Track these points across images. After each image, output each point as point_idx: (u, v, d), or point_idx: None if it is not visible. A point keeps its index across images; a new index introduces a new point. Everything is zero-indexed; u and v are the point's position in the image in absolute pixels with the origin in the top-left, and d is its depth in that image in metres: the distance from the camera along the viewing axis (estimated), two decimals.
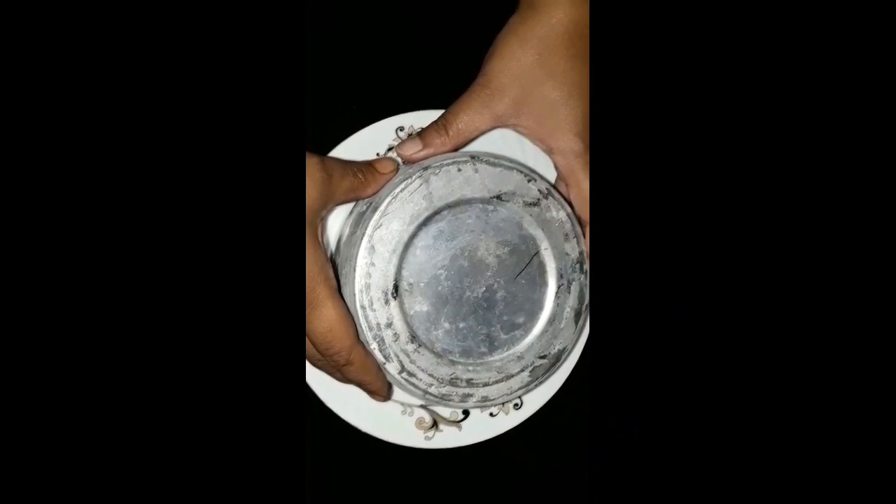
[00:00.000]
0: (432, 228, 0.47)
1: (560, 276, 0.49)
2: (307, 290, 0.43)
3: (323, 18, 0.54)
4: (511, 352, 0.48)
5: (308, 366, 0.49)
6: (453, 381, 0.47)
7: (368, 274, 0.46)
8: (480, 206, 0.47)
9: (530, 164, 0.52)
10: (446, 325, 0.47)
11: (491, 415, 0.53)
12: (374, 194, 0.48)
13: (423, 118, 0.52)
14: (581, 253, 0.49)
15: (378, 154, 0.51)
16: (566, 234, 0.49)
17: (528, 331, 0.49)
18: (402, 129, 0.52)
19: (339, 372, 0.46)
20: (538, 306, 0.49)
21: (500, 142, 0.52)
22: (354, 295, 0.46)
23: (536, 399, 0.53)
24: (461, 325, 0.48)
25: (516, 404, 0.53)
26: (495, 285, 0.48)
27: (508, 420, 0.53)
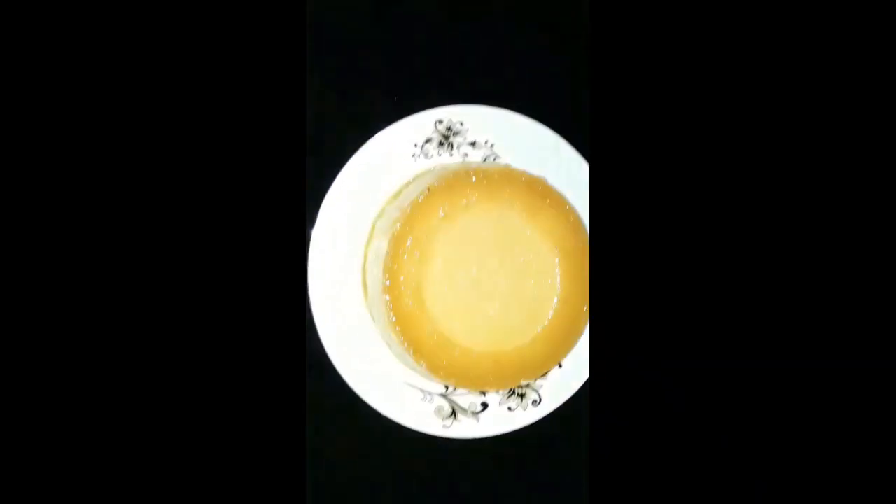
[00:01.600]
0: None
1: None
2: None
3: (366, 11, 0.55)
4: None
5: (334, 348, 0.50)
6: None
7: None
8: None
9: (564, 169, 0.53)
10: None
11: (509, 409, 0.53)
12: None
13: (461, 112, 0.52)
14: None
15: (416, 145, 0.52)
16: None
17: None
18: (440, 121, 0.52)
19: None
20: None
21: (534, 144, 0.53)
22: None
23: (555, 397, 0.54)
24: None
25: (535, 401, 0.53)
26: None
27: (526, 415, 0.53)
